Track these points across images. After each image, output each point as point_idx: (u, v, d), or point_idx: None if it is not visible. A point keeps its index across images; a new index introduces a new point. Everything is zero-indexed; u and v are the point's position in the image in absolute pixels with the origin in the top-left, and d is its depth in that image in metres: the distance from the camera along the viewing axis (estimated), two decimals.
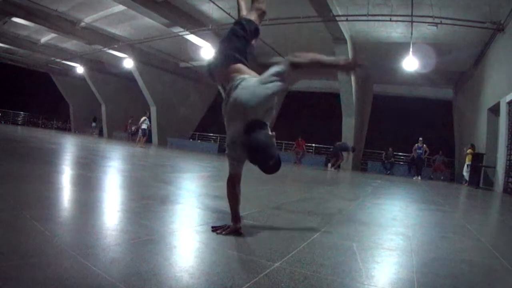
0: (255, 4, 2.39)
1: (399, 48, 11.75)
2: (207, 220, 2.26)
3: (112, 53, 17.24)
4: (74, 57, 19.32)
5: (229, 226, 1.95)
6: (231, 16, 10.85)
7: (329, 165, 12.56)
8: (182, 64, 19.52)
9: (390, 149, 14.76)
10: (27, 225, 1.61)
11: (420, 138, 12.87)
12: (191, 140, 22.02)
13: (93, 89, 22.05)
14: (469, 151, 10.97)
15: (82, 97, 25.53)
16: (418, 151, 12.77)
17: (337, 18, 10.08)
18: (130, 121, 19.89)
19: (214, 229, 1.93)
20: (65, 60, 19.75)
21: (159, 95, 19.49)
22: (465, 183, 10.82)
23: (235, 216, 2.01)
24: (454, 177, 13.83)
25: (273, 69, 1.91)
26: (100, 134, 23.43)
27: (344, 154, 12.54)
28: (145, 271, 1.24)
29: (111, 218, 2.05)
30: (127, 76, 20.86)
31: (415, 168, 12.86)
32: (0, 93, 24.92)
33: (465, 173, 11.13)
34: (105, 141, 16.29)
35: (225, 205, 2.69)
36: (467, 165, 10.74)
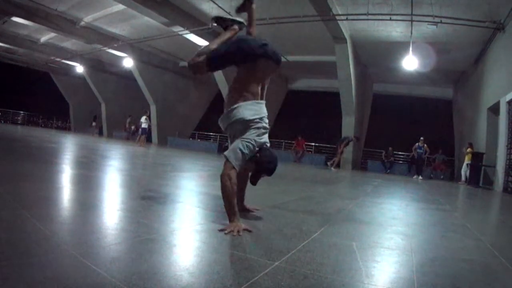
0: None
1: (399, 47, 11.74)
2: (207, 219, 2.26)
3: (112, 52, 17.23)
4: (74, 56, 19.29)
5: (234, 225, 1.94)
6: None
7: (329, 164, 12.58)
8: (182, 63, 19.50)
9: (390, 148, 14.75)
10: (27, 225, 1.61)
11: (422, 138, 12.78)
12: (191, 139, 22.01)
13: (93, 88, 22.03)
14: (468, 150, 10.97)
15: (82, 96, 25.51)
16: (418, 150, 12.67)
17: (337, 17, 10.07)
18: (128, 120, 19.89)
19: (224, 231, 1.91)
20: (65, 59, 19.72)
21: (159, 94, 19.48)
22: (464, 181, 10.83)
23: (235, 212, 2.03)
24: (454, 176, 13.83)
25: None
26: (100, 133, 23.43)
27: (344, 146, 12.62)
28: (145, 270, 1.24)
29: (111, 217, 2.05)
30: (127, 75, 20.86)
31: (415, 167, 12.82)
32: (0, 92, 24.92)
33: (463, 171, 11.14)
34: (105, 140, 16.29)
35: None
36: (467, 164, 10.74)
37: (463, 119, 14.24)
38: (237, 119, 2.17)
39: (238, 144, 2.11)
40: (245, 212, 2.49)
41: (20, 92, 26.70)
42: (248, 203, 2.60)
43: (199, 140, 22.08)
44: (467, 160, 10.93)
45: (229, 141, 2.31)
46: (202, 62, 2.24)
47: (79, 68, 20.55)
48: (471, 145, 11.10)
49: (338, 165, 12.75)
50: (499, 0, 8.34)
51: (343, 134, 13.65)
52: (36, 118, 28.39)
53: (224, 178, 2.06)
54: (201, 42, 13.46)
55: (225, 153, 2.12)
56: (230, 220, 2.00)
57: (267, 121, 2.28)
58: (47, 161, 4.61)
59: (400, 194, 6.11)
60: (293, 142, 16.23)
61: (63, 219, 1.88)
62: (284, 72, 19.32)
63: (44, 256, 1.25)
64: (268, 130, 2.28)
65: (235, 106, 2.19)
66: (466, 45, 11.23)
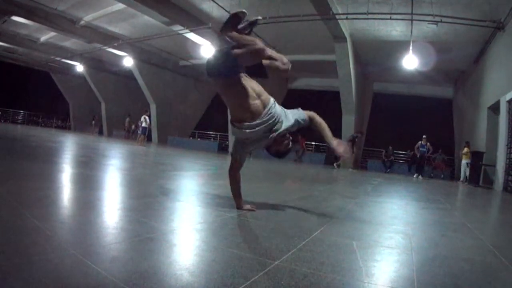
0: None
1: (399, 46, 11.74)
2: (207, 218, 2.26)
3: (112, 51, 17.23)
4: (74, 55, 19.29)
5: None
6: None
7: (335, 164, 12.78)
8: (182, 63, 19.51)
9: (390, 147, 14.73)
10: (28, 224, 1.61)
11: (424, 136, 12.70)
12: (191, 138, 22.01)
13: (93, 87, 22.05)
14: (465, 149, 11.03)
15: (82, 96, 25.55)
16: (421, 149, 12.57)
17: (337, 17, 10.06)
18: (128, 119, 19.90)
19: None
20: (65, 58, 19.73)
21: (159, 94, 19.49)
22: (463, 180, 10.84)
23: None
24: (454, 176, 13.83)
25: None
26: (100, 132, 23.44)
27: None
28: (145, 269, 1.24)
29: (111, 217, 2.05)
30: (127, 75, 20.86)
31: (416, 166, 12.74)
32: (0, 91, 24.92)
33: (462, 170, 11.16)
34: (105, 139, 16.28)
35: (225, 202, 2.69)
36: (467, 163, 10.74)
37: (463, 118, 14.24)
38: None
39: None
40: (242, 210, 2.50)
41: (20, 92, 26.72)
42: (248, 200, 2.61)
43: (199, 139, 22.08)
44: (464, 158, 10.96)
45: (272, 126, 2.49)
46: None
47: (79, 68, 20.56)
48: (468, 144, 11.15)
49: (338, 165, 12.77)
50: None
51: (343, 133, 13.67)
52: (36, 117, 28.39)
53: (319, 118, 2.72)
54: (201, 41, 13.46)
55: (307, 112, 2.71)
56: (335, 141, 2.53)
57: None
58: (47, 160, 4.61)
59: (400, 193, 6.11)
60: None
61: (63, 218, 1.88)
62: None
63: (44, 256, 1.25)
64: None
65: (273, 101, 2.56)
66: (466, 44, 11.23)
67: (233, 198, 2.58)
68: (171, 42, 15.62)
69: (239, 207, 2.53)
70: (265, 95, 2.50)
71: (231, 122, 2.53)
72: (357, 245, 1.90)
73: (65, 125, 27.91)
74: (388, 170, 14.17)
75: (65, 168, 4.14)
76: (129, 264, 1.28)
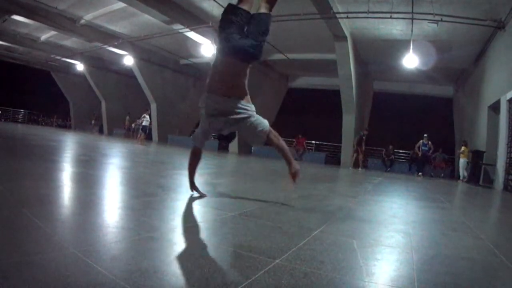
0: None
1: (400, 45, 11.73)
2: (208, 217, 2.26)
3: (112, 50, 17.22)
4: (74, 54, 19.29)
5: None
6: None
7: (359, 168, 12.95)
8: (182, 61, 19.51)
9: (391, 146, 14.73)
10: (28, 223, 1.61)
11: (425, 135, 12.69)
12: (191, 137, 22.02)
13: (93, 86, 22.04)
14: (463, 149, 11.04)
15: (82, 94, 25.55)
16: (423, 147, 12.56)
17: (338, 15, 10.06)
18: (128, 118, 19.91)
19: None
20: (65, 57, 19.74)
21: (159, 92, 19.49)
22: (463, 179, 10.85)
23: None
24: (454, 175, 13.83)
25: None
26: (100, 131, 23.44)
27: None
28: (145, 268, 1.24)
29: (112, 216, 2.05)
30: (127, 73, 20.86)
31: (417, 165, 12.74)
32: (0, 90, 24.92)
33: (461, 169, 11.17)
34: (105, 138, 16.28)
35: (225, 201, 2.70)
36: (467, 162, 10.74)
37: (464, 117, 14.23)
38: None
39: None
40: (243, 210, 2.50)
41: (20, 91, 26.71)
42: (248, 200, 2.61)
43: None
44: (462, 157, 10.99)
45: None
46: None
47: (80, 66, 20.57)
48: (465, 143, 11.17)
49: (356, 165, 12.95)
50: None
51: (344, 132, 13.70)
52: (37, 116, 28.39)
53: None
54: (202, 40, 13.45)
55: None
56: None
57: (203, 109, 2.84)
58: (47, 159, 4.61)
59: (400, 192, 6.11)
60: (294, 140, 16.24)
61: (64, 217, 1.88)
62: (285, 70, 19.32)
63: (44, 255, 1.25)
64: (203, 112, 2.86)
65: None
66: (467, 43, 11.22)
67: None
68: (171, 40, 15.61)
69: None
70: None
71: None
72: (357, 244, 1.90)
73: (65, 124, 27.91)
74: (389, 169, 14.17)
75: (65, 167, 4.14)
76: (129, 263, 1.28)
